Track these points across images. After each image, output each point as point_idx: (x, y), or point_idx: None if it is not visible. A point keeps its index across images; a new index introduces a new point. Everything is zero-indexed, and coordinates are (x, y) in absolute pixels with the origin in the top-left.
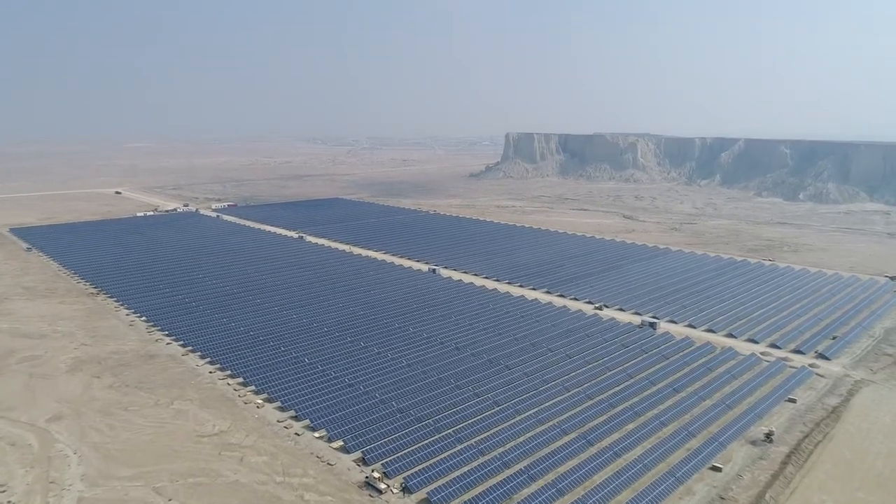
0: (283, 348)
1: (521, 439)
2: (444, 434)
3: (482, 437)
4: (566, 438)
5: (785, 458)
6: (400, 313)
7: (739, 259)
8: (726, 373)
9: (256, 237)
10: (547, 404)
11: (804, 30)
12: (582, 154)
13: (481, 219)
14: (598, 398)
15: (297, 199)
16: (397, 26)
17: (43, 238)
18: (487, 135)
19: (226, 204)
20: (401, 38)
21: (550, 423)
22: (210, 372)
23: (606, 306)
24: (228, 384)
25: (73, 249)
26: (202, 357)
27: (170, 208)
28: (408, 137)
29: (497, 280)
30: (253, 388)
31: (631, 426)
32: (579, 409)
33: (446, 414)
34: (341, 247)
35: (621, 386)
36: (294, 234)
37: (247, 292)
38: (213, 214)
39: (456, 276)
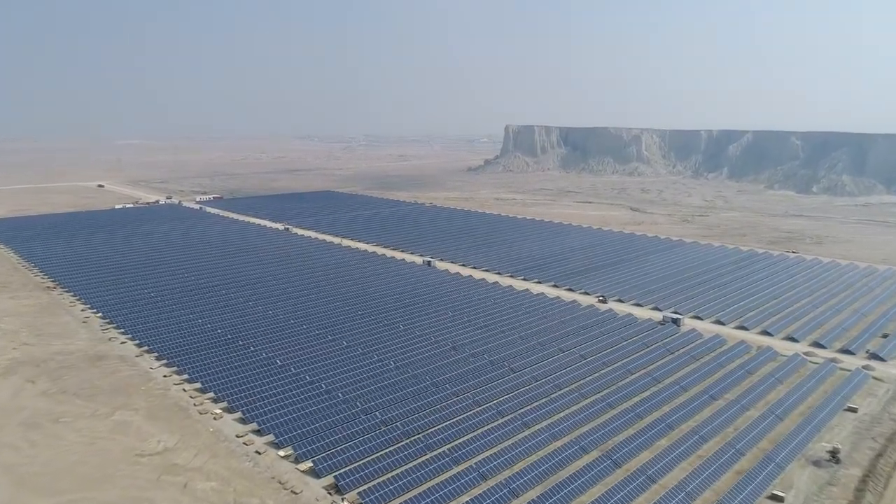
0: (252, 349)
1: (531, 459)
2: (437, 452)
3: (484, 456)
4: (587, 458)
5: (860, 483)
6: (389, 309)
7: (761, 251)
8: (769, 376)
9: (238, 229)
10: (561, 415)
11: (809, 24)
12: (584, 147)
13: (480, 211)
14: (621, 407)
15: (287, 192)
16: (395, 25)
17: (7, 229)
18: (486, 132)
19: (211, 196)
20: (399, 38)
21: (567, 439)
22: (165, 376)
23: (622, 301)
24: (184, 390)
25: (38, 241)
26: (158, 358)
27: (151, 201)
28: (406, 135)
29: (498, 273)
30: (212, 395)
31: (664, 442)
32: (600, 420)
33: (440, 427)
34: (330, 239)
35: (648, 392)
36: (280, 226)
37: (220, 287)
38: (196, 207)
39: (453, 268)
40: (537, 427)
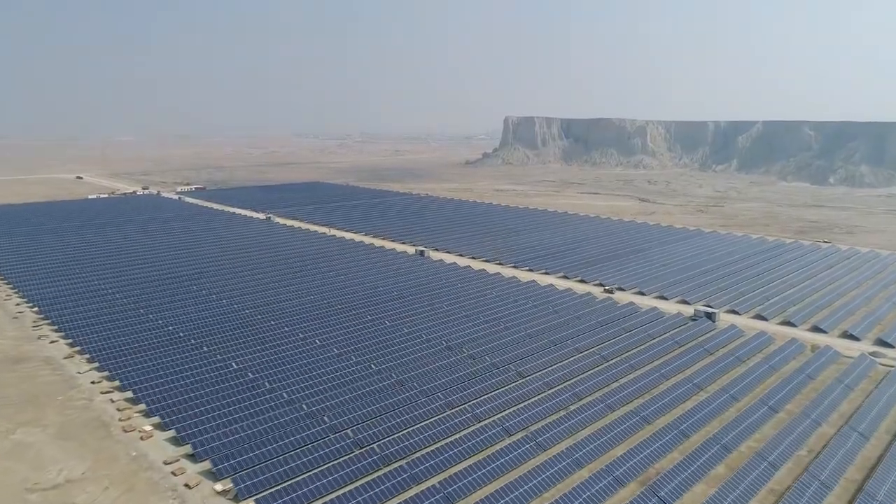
0: (206, 349)
1: (550, 495)
2: (425, 487)
3: (488, 491)
4: (624, 493)
5: None
6: (374, 303)
7: (790, 241)
8: (836, 382)
9: (216, 218)
10: (584, 433)
11: (819, 16)
12: (586, 139)
13: (479, 201)
14: (660, 423)
15: (275, 183)
16: (390, 22)
17: None
18: (483, 130)
19: (192, 187)
20: (396, 36)
21: (595, 466)
22: (93, 382)
23: (642, 293)
24: (112, 401)
25: None
26: (90, 361)
27: (128, 191)
28: (402, 134)
29: (500, 263)
30: (143, 407)
31: (722, 471)
32: (635, 440)
33: (430, 451)
34: (315, 228)
35: (690, 404)
36: (261, 216)
37: (183, 279)
38: (175, 197)
39: (449, 259)
40: (555, 450)
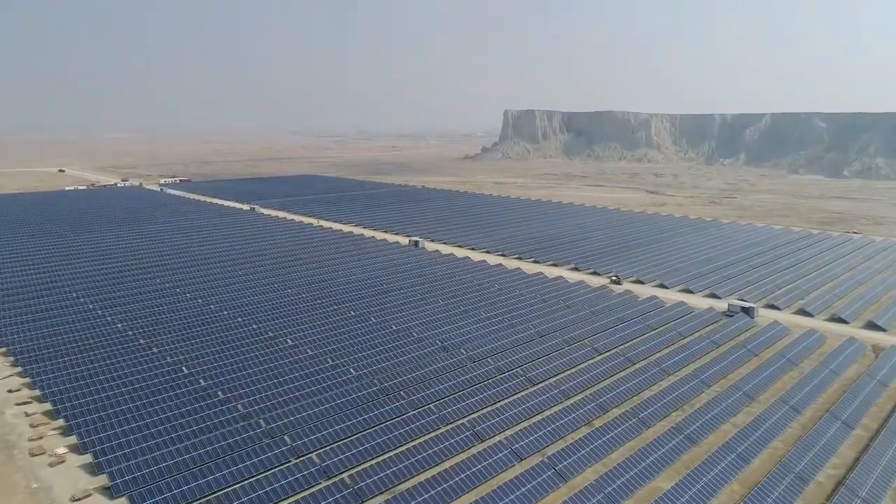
0: (156, 350)
1: None
2: None
3: None
4: None
5: None
6: (360, 297)
7: (816, 231)
8: None
9: (194, 209)
10: (615, 458)
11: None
12: (588, 133)
13: (479, 192)
14: (708, 442)
15: (265, 176)
16: (389, 23)
17: None
18: (482, 128)
19: (177, 179)
20: (394, 36)
21: (632, 502)
22: (10, 391)
23: (664, 286)
24: (26, 414)
25: None
26: (14, 364)
27: (109, 183)
28: (400, 132)
29: (502, 255)
30: (62, 422)
31: None
32: (681, 467)
33: (420, 481)
34: (301, 219)
35: (742, 418)
36: (245, 207)
37: (145, 271)
38: (157, 189)
39: (446, 250)
40: (580, 480)
